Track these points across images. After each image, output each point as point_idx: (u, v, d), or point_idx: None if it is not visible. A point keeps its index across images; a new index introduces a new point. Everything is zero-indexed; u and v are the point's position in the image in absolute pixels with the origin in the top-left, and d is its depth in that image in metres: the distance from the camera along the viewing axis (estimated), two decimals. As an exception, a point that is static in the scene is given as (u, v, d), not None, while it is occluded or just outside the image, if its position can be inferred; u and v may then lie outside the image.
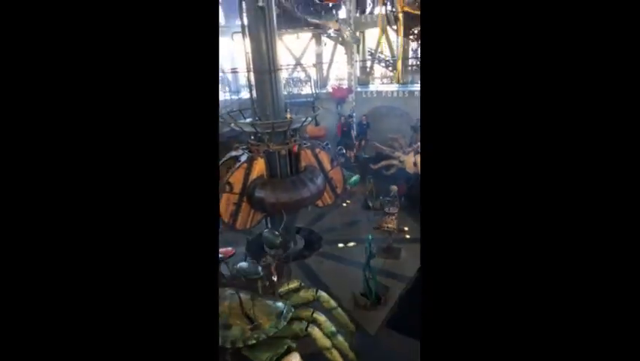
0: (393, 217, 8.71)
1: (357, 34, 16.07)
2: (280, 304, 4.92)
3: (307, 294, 5.25)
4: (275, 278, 5.66)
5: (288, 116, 8.37)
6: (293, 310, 4.88)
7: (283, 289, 5.37)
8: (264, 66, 7.66)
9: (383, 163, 11.80)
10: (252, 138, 8.36)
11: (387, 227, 8.65)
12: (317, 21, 14.15)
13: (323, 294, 5.27)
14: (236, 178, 8.02)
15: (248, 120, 8.59)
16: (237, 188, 8.06)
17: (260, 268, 5.48)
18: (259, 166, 8.11)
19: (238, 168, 8.03)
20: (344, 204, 11.42)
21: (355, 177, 11.70)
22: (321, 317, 4.81)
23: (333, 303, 5.27)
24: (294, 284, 5.41)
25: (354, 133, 14.66)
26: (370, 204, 11.13)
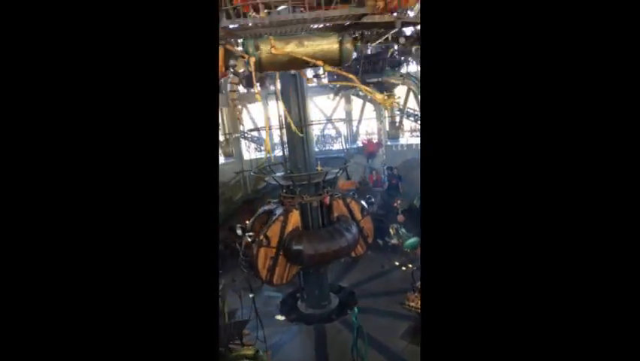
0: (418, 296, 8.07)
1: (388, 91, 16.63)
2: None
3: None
4: None
5: (319, 168, 8.60)
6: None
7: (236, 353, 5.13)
8: (296, 121, 8.08)
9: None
10: (284, 191, 8.57)
11: (411, 306, 7.94)
12: (377, 79, 14.54)
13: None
14: (274, 232, 8.04)
15: (279, 174, 8.88)
16: (274, 241, 8.03)
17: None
18: (294, 218, 8.16)
19: (275, 221, 8.06)
20: (403, 268, 10.67)
21: (414, 239, 11.26)
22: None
23: None
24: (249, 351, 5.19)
25: (401, 185, 14.58)
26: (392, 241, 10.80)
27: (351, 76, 6.34)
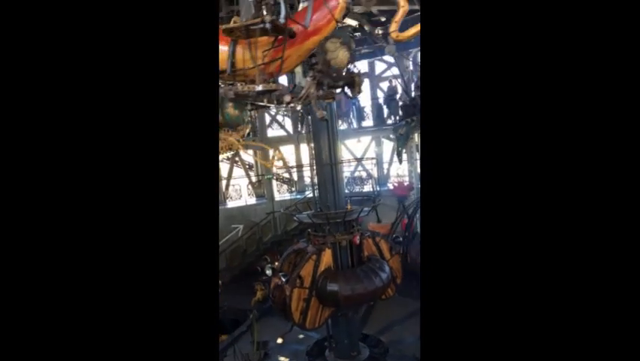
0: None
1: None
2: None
3: None
4: None
5: (349, 207, 8.53)
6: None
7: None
8: (326, 160, 8.18)
9: None
10: (314, 229, 8.51)
11: None
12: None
13: None
14: (307, 271, 7.75)
15: (307, 212, 8.88)
16: (307, 281, 7.66)
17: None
18: (327, 257, 7.93)
19: (307, 260, 7.86)
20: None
21: None
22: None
23: None
24: None
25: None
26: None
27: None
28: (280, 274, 7.93)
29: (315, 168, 8.60)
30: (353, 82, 5.19)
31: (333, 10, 4.57)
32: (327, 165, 8.14)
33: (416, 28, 4.54)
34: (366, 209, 8.35)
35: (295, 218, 8.64)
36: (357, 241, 8.23)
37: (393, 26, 4.70)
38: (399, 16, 4.66)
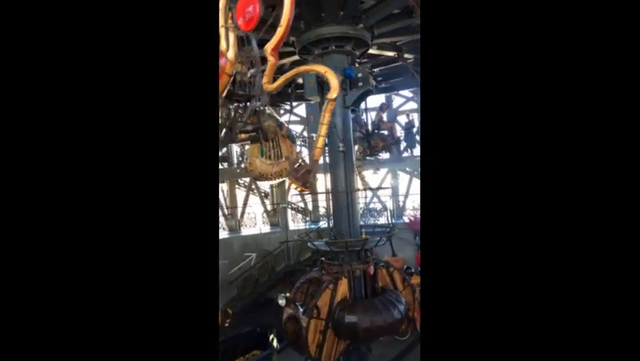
0: None
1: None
2: None
3: None
4: None
5: (364, 235, 8.44)
6: None
7: None
8: (342, 188, 8.19)
9: None
10: (328, 258, 8.40)
11: None
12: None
13: None
14: (324, 301, 7.48)
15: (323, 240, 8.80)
16: (324, 312, 7.31)
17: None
18: (343, 288, 7.72)
19: (324, 289, 7.62)
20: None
21: None
22: None
23: None
24: None
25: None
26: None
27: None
28: (297, 304, 7.72)
29: (330, 196, 8.61)
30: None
31: (224, 67, 4.91)
32: (342, 192, 8.15)
33: (284, 78, 4.98)
34: (382, 239, 8.22)
35: (311, 245, 8.54)
36: (372, 272, 8.05)
37: (265, 79, 4.93)
38: (268, 69, 4.84)
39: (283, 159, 8.40)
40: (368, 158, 11.82)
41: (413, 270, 12.98)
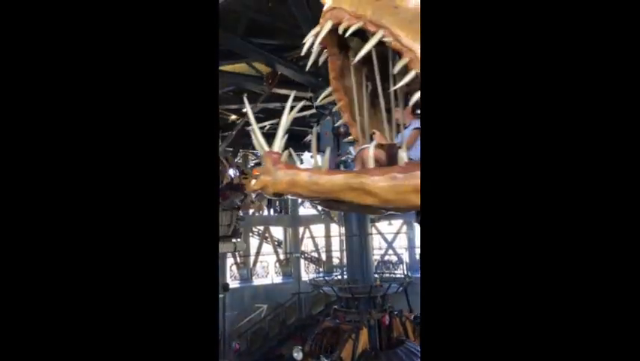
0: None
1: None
2: None
3: None
4: None
5: (378, 283, 8.18)
6: None
7: None
8: (357, 243, 8.09)
9: None
10: (342, 305, 8.11)
11: None
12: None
13: None
14: (347, 352, 7.18)
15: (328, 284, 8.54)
16: None
17: None
18: (364, 337, 7.38)
19: (347, 340, 7.28)
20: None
21: None
22: None
23: None
24: None
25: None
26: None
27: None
28: (321, 356, 7.31)
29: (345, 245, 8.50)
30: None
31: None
32: (355, 235, 8.06)
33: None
34: (398, 285, 7.95)
35: (323, 290, 8.30)
36: (387, 322, 7.70)
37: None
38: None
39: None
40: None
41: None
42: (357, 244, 8.11)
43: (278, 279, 17.51)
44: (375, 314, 7.45)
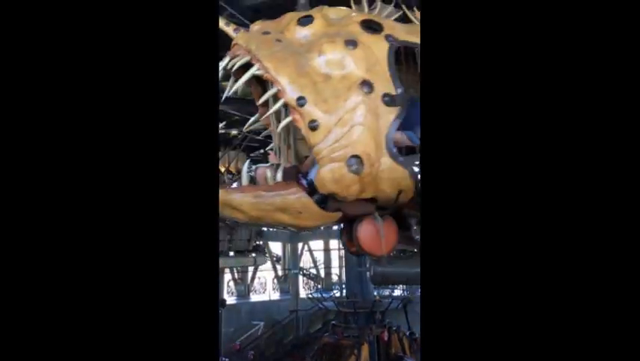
0: None
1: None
2: None
3: None
4: None
5: (377, 298, 8.08)
6: None
7: None
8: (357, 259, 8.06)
9: None
10: (341, 320, 7.99)
11: None
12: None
13: None
14: None
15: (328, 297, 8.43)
16: None
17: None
18: (365, 353, 7.30)
19: (349, 356, 7.23)
20: None
21: None
22: None
23: None
24: None
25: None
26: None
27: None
28: None
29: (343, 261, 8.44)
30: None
31: None
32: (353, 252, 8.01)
33: None
34: (398, 301, 7.85)
35: (324, 305, 8.18)
36: (386, 337, 7.57)
37: None
38: None
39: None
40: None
41: (417, 335, 12.08)
42: (356, 259, 8.04)
43: (275, 295, 17.28)
44: (375, 330, 7.34)
